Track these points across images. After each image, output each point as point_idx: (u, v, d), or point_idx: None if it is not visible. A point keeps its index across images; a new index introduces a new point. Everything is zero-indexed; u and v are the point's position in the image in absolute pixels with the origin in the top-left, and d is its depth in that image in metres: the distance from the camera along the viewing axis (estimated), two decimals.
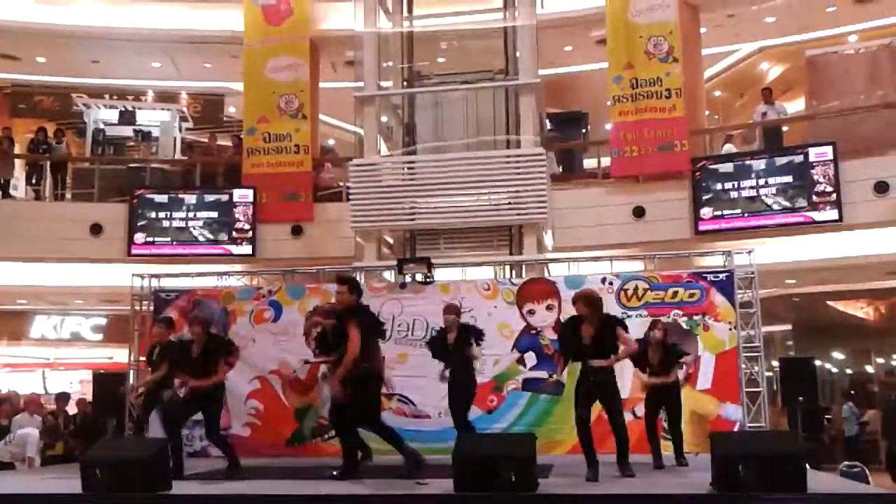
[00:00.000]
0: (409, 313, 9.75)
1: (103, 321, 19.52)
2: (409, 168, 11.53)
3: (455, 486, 5.57)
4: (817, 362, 12.82)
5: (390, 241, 11.96)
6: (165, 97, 18.89)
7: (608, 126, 13.16)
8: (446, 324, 8.32)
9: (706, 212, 12.08)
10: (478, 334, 8.37)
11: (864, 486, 7.05)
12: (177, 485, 6.18)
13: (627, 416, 8.87)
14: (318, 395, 9.65)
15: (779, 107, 13.98)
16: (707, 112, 16.14)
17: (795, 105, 15.91)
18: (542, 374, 9.04)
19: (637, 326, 9.22)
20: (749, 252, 9.62)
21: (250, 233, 13.15)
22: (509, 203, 10.85)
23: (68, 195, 14.84)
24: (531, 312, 9.59)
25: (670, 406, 8.06)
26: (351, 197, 11.45)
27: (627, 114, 12.61)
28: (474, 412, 8.59)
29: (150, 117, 17.14)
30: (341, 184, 13.44)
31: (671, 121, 12.39)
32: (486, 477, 5.47)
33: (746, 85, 18.65)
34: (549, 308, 9.58)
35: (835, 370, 18.31)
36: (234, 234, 13.17)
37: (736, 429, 8.80)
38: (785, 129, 14.40)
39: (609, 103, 12.84)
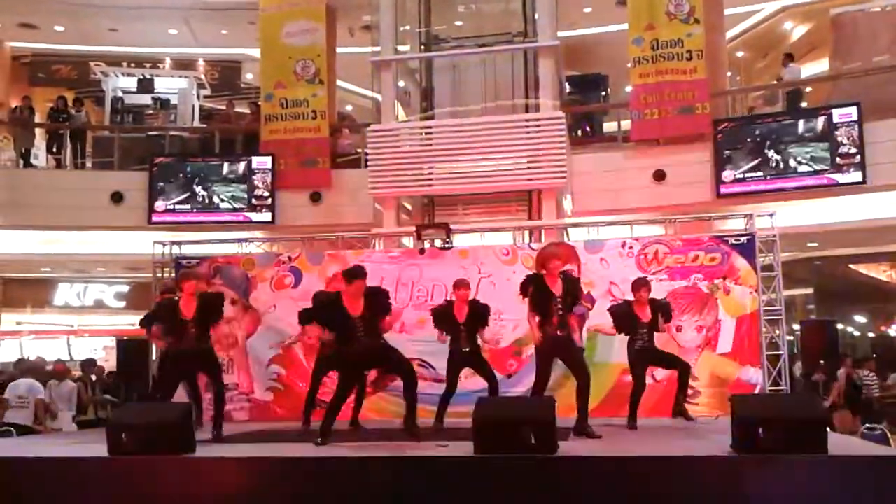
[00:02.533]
0: (427, 279, 9.76)
1: (126, 288, 19.72)
2: (426, 133, 11.48)
3: (475, 449, 5.61)
4: (839, 325, 12.76)
5: (409, 206, 11.95)
6: (183, 65, 18.91)
7: (628, 88, 13.02)
8: (456, 297, 8.30)
9: (728, 174, 11.94)
10: (486, 312, 8.36)
11: (885, 449, 7.03)
12: (200, 448, 6.26)
13: (648, 380, 9.01)
14: None
15: (792, 70, 13.83)
16: (729, 73, 15.91)
17: (820, 65, 15.65)
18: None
19: (657, 290, 9.26)
20: (771, 215, 9.53)
21: (269, 200, 13.18)
22: (528, 167, 10.79)
23: (88, 164, 14.94)
24: None
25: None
26: (369, 163, 11.43)
27: (648, 76, 12.42)
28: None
29: (168, 85, 17.16)
30: (359, 150, 13.42)
31: (692, 83, 12.20)
32: (506, 439, 5.50)
33: (769, 45, 18.36)
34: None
35: (857, 333, 18.21)
36: (254, 201, 13.20)
37: (756, 391, 8.79)
38: (808, 89, 14.19)
39: (629, 65, 12.67)
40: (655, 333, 8.12)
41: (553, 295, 7.38)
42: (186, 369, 8.01)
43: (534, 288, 7.53)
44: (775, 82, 14.55)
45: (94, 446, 6.41)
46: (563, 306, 7.41)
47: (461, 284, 8.33)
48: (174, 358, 7.83)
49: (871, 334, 18.44)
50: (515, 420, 5.57)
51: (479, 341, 8.28)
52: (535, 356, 7.68)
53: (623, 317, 8.11)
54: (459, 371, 8.28)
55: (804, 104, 13.43)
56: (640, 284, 8.15)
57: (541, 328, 7.39)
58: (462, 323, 8.16)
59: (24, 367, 11.66)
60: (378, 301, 7.23)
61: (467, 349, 8.18)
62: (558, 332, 7.36)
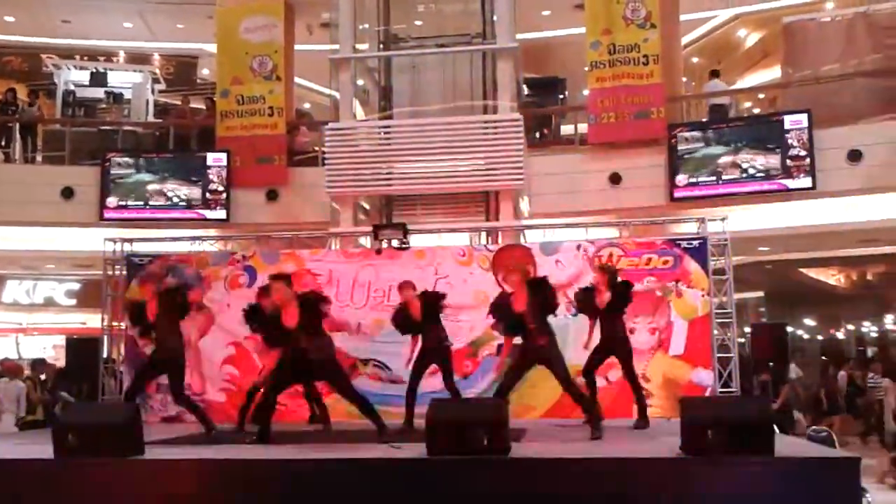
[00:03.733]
0: (384, 279, 9.72)
1: (77, 286, 19.35)
2: (385, 133, 11.44)
3: (428, 450, 5.61)
4: (789, 328, 13.00)
5: (366, 206, 11.90)
6: (138, 58, 18.60)
7: (586, 92, 13.12)
8: (405, 299, 8.34)
9: (681, 179, 12.10)
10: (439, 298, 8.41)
11: (830, 451, 7.18)
12: (148, 450, 6.16)
13: (600, 381, 9.09)
14: None
15: (715, 85, 14.15)
16: (684, 79, 16.13)
17: (773, 72, 15.94)
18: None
19: None
20: (722, 219, 9.67)
21: (224, 197, 13.02)
22: (486, 169, 10.81)
23: (39, 158, 14.62)
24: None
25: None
26: (326, 161, 11.35)
27: (605, 80, 12.55)
28: None
29: (122, 79, 16.90)
30: (317, 148, 13.33)
31: (648, 87, 12.35)
32: (459, 441, 5.51)
33: (724, 52, 18.67)
34: None
35: (807, 336, 18.58)
36: (208, 198, 13.02)
37: (707, 394, 8.92)
38: (761, 96, 14.43)
39: (587, 69, 12.78)
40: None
41: (521, 314, 7.36)
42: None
43: (500, 316, 7.55)
44: (728, 89, 14.76)
45: (40, 447, 6.27)
46: (538, 314, 7.37)
47: (406, 286, 8.36)
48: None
49: (819, 337, 18.83)
50: (468, 421, 5.57)
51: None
52: (513, 361, 7.68)
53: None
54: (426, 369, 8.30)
55: (756, 111, 13.69)
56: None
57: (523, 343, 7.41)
58: (421, 320, 8.17)
59: None
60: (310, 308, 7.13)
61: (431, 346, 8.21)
62: (539, 342, 7.33)
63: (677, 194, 12.07)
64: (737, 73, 19.13)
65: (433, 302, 8.31)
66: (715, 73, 14.54)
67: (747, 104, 15.77)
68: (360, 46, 11.88)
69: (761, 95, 14.50)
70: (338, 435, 7.68)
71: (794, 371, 14.29)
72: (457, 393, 8.21)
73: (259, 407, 7.38)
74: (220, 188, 13.01)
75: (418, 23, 12.98)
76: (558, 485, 5.27)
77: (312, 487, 5.48)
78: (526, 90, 15.09)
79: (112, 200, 13.01)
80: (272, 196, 13.05)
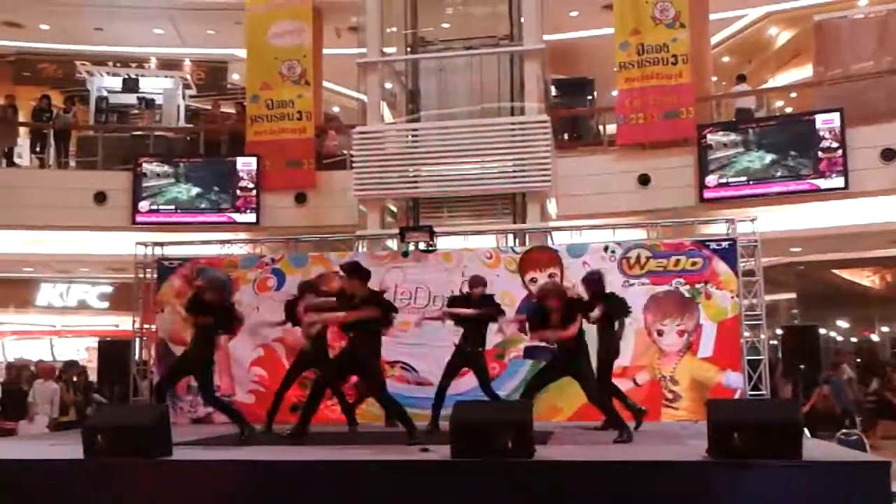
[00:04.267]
0: (411, 282, 9.75)
1: (109, 289, 19.60)
2: (412, 135, 11.47)
3: (452, 453, 5.61)
4: (822, 330, 12.80)
5: (394, 209, 11.93)
6: (169, 64, 18.83)
7: (615, 93, 13.04)
8: (474, 297, 8.38)
9: (711, 179, 11.99)
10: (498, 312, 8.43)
11: (860, 454, 7.06)
12: (176, 450, 6.23)
13: (628, 384, 9.05)
14: None
15: (740, 89, 14.05)
16: (715, 78, 15.98)
17: (804, 71, 15.72)
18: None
19: (639, 294, 9.31)
20: (752, 220, 9.57)
21: (254, 201, 13.14)
22: (513, 171, 10.80)
23: (72, 163, 14.85)
24: (533, 281, 9.57)
25: None
26: (354, 165, 11.40)
27: (633, 80, 12.48)
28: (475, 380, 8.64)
29: (154, 85, 17.12)
30: (345, 151, 13.39)
31: (677, 87, 12.26)
32: (483, 443, 5.50)
33: (754, 51, 18.45)
34: (551, 276, 9.55)
35: (840, 338, 18.30)
36: (238, 202, 13.16)
37: (737, 396, 8.82)
38: (793, 95, 14.25)
39: (615, 70, 12.71)
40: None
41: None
42: None
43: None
44: (760, 88, 14.60)
45: (71, 448, 6.37)
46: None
47: (477, 282, 8.44)
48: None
49: (853, 339, 18.54)
50: (492, 424, 5.56)
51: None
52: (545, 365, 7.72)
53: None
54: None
55: (788, 110, 13.52)
56: None
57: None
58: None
59: None
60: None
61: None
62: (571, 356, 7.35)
63: (707, 195, 11.96)
64: (768, 72, 18.91)
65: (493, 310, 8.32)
66: (742, 78, 14.40)
67: (779, 103, 15.57)
68: (387, 50, 11.92)
69: (793, 94, 14.29)
70: (364, 436, 7.70)
71: (846, 372, 14.17)
72: (496, 397, 8.23)
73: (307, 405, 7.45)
74: (250, 192, 13.13)
75: (446, 25, 12.99)
76: (583, 488, 5.24)
77: (338, 489, 5.51)
78: (554, 91, 15.05)
79: (144, 205, 13.18)
80: (301, 199, 13.15)
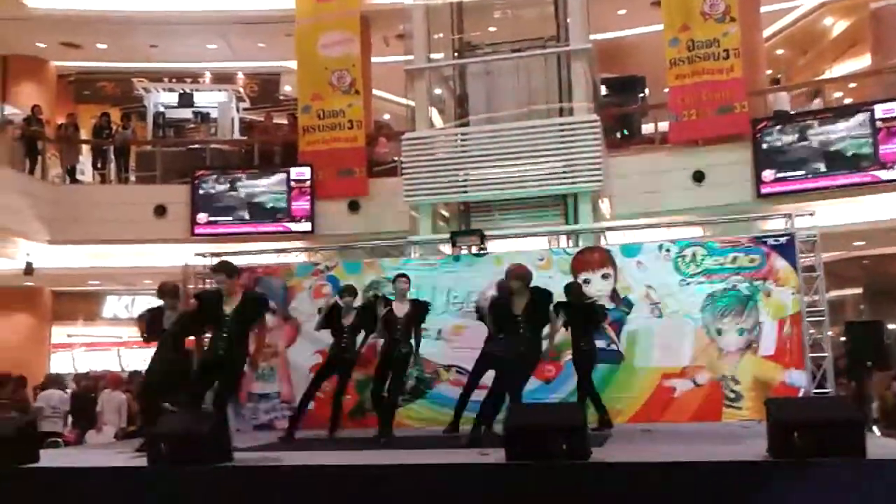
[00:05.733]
0: (463, 286, 9.75)
1: None
2: (461, 140, 11.50)
3: (507, 456, 5.59)
4: (891, 326, 12.45)
5: (445, 213, 11.97)
6: (222, 78, 19.20)
7: (666, 90, 12.90)
8: (514, 290, 8.20)
9: (768, 174, 11.78)
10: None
11: None
12: (236, 456, 6.33)
13: (688, 384, 8.92)
14: None
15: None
16: (769, 71, 15.68)
17: (861, 61, 15.34)
18: (600, 343, 8.96)
19: (696, 293, 9.17)
20: (811, 214, 9.35)
21: (308, 210, 13.33)
22: (563, 172, 10.74)
23: (132, 178, 15.24)
24: (587, 282, 9.49)
25: None
26: (404, 171, 11.48)
27: (685, 77, 12.35)
28: (532, 383, 8.59)
29: (208, 99, 17.49)
30: (396, 158, 13.49)
31: (730, 82, 12.10)
32: (537, 446, 5.47)
33: (810, 42, 18.06)
34: (604, 277, 9.48)
35: None
36: (293, 211, 13.36)
37: (801, 394, 8.63)
38: (851, 85, 13.92)
39: (666, 67, 12.57)
40: None
41: None
42: None
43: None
44: (814, 79, 14.29)
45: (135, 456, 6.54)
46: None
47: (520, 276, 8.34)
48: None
49: None
50: (546, 427, 5.53)
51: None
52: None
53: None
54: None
55: (847, 101, 13.21)
56: None
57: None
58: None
59: (51, 380, 11.99)
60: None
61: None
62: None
63: (764, 190, 11.76)
64: (824, 63, 18.48)
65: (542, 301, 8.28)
66: (776, 82, 14.13)
67: (837, 94, 15.21)
68: (434, 56, 11.97)
69: (851, 85, 13.95)
70: (412, 441, 7.73)
71: None
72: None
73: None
74: (305, 201, 13.32)
75: (492, 29, 12.99)
76: (640, 489, 5.17)
77: (391, 493, 5.53)
78: (604, 90, 14.94)
79: (202, 216, 13.47)
80: (354, 207, 13.31)
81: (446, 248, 10.53)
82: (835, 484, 4.89)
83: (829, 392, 8.72)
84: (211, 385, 7.00)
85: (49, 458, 6.66)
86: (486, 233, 9.95)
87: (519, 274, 7.19)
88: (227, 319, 6.77)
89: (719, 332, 9.10)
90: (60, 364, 18.24)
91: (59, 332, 19.31)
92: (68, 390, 11.90)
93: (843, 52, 15.84)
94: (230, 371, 6.86)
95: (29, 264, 13.94)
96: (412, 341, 8.08)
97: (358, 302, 8.74)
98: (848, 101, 14.75)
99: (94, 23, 16.07)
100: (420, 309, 8.24)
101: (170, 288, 8.05)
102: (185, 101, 17.23)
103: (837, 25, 17.50)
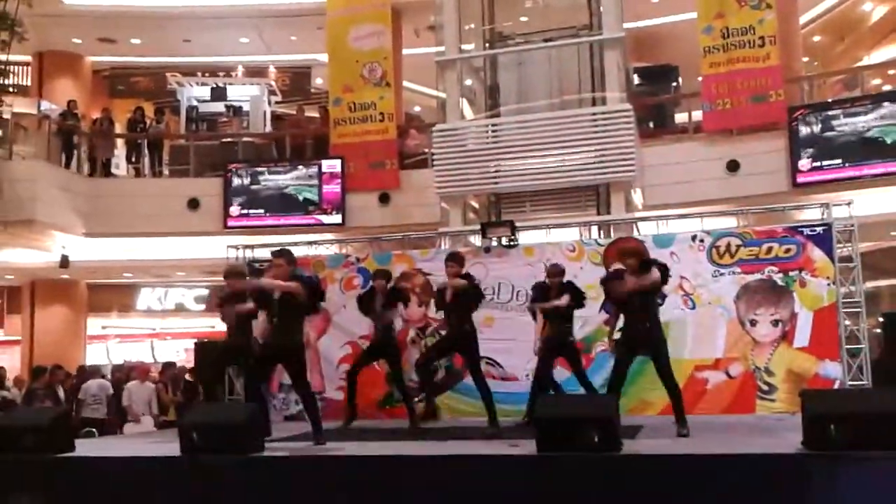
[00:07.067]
0: (494, 277, 9.71)
1: (205, 292, 20.22)
2: (492, 131, 11.46)
3: (538, 447, 5.57)
4: None
5: (476, 205, 11.93)
6: (254, 72, 19.29)
7: (700, 78, 12.73)
8: (553, 286, 8.35)
9: (804, 163, 11.59)
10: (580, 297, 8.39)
11: None
12: (270, 447, 6.37)
13: (721, 376, 8.82)
14: (407, 358, 9.77)
15: None
16: (806, 58, 15.42)
17: None
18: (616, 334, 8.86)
19: (730, 284, 9.05)
20: (848, 203, 9.17)
21: (340, 202, 13.36)
22: (595, 162, 10.66)
23: (166, 171, 15.39)
24: None
25: None
26: (435, 162, 11.46)
27: (719, 65, 12.19)
28: (563, 374, 8.57)
29: (241, 92, 17.59)
30: (426, 150, 13.49)
31: (765, 70, 11.91)
32: (569, 437, 5.43)
33: (848, 28, 17.70)
34: None
35: None
36: (324, 203, 13.41)
37: (836, 387, 8.48)
38: (892, 71, 13.63)
39: (700, 55, 12.41)
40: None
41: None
42: None
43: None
44: (852, 66, 14.01)
45: (170, 445, 6.60)
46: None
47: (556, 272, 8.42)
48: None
49: None
50: (577, 418, 5.49)
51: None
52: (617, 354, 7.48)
53: None
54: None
55: (886, 88, 12.94)
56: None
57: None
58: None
59: (91, 370, 12.17)
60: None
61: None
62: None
63: (801, 179, 11.57)
64: (864, 49, 18.10)
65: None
66: None
67: (875, 81, 14.91)
68: (465, 47, 11.93)
69: (891, 71, 13.66)
70: (445, 432, 7.73)
71: None
72: (590, 386, 8.23)
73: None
74: (336, 193, 13.35)
75: (524, 19, 12.91)
76: (672, 481, 5.12)
77: (421, 484, 5.53)
78: (637, 80, 14.79)
79: (235, 209, 13.57)
80: (385, 199, 13.32)
81: (476, 240, 10.50)
82: (874, 477, 4.79)
83: (866, 384, 8.57)
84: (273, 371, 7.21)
85: (84, 448, 6.75)
86: (517, 224, 9.90)
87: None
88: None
89: (753, 323, 8.98)
90: (95, 355, 18.50)
91: (93, 324, 19.59)
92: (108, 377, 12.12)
93: (883, 37, 15.48)
94: (299, 358, 7.00)
95: (65, 257, 14.13)
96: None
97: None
98: (887, 87, 14.49)
99: (129, 18, 16.24)
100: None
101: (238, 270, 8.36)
102: (218, 94, 17.36)
103: (877, 11, 17.14)
